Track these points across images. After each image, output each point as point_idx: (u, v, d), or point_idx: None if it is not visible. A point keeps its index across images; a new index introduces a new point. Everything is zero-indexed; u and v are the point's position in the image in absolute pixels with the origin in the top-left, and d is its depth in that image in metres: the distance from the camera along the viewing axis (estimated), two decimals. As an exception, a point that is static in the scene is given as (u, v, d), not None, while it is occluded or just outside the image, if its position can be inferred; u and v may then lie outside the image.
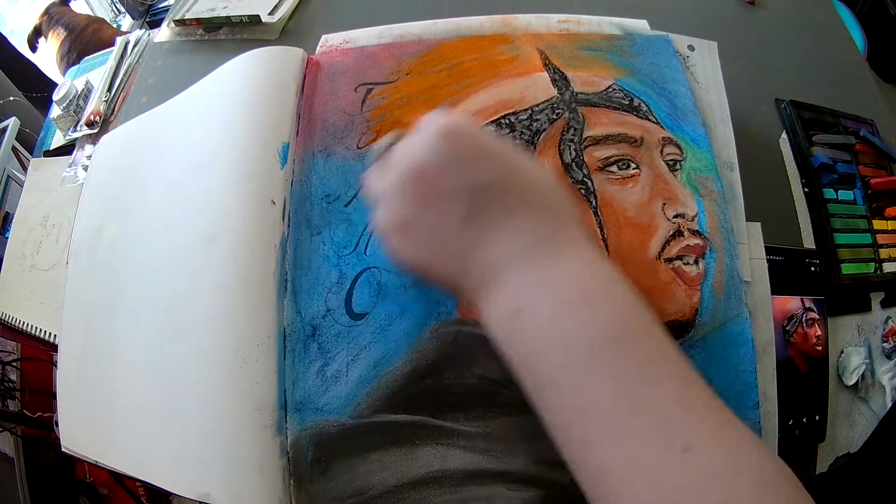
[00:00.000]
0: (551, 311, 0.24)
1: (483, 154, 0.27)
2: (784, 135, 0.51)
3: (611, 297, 0.25)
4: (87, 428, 0.40)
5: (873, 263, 0.48)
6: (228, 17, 0.57)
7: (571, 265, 0.25)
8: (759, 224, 0.42)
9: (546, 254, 0.26)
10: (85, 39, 0.92)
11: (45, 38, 1.00)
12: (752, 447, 0.22)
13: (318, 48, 0.45)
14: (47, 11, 0.99)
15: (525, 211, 0.26)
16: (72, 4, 1.06)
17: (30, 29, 1.02)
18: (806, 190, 0.48)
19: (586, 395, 0.22)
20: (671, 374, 0.23)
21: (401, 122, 0.41)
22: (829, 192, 0.49)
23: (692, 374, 0.23)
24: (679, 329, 0.38)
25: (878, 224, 0.49)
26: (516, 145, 0.29)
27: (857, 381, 0.44)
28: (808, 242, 0.47)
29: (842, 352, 0.44)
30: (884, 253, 0.48)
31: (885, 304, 0.47)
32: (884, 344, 0.46)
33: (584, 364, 0.23)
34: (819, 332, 0.43)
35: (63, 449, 0.40)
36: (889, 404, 0.45)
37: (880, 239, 0.49)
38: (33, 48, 1.03)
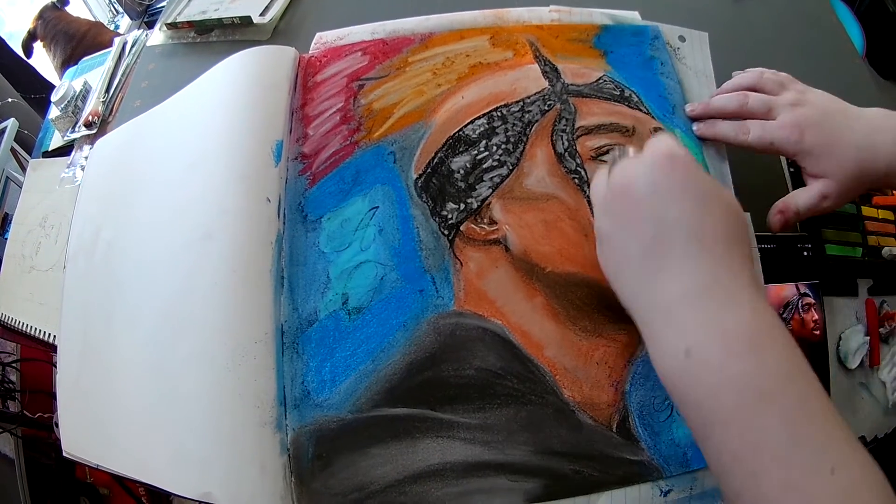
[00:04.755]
0: (721, 356, 0.26)
1: (682, 191, 0.29)
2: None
3: (774, 345, 0.27)
4: (87, 431, 0.40)
5: (860, 248, 0.47)
6: (220, 19, 0.57)
7: (740, 312, 0.27)
8: (748, 215, 0.42)
9: (718, 298, 0.27)
10: (85, 45, 0.91)
11: (43, 42, 0.99)
12: (872, 463, 0.24)
13: (312, 45, 0.45)
14: (41, 16, 0.98)
15: (704, 255, 0.28)
16: (69, 8, 1.05)
17: (24, 33, 1.01)
18: (791, 170, 0.48)
19: (755, 434, 0.25)
20: (821, 408, 0.25)
21: (392, 118, 0.41)
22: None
23: (830, 403, 0.26)
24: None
25: (866, 210, 0.49)
26: (716, 184, 0.31)
27: (862, 360, 0.44)
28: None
29: (840, 337, 0.44)
30: (872, 240, 0.48)
31: (872, 292, 0.47)
32: (880, 329, 0.46)
33: (753, 407, 0.25)
34: (816, 317, 0.43)
35: (64, 454, 0.40)
36: (890, 399, 0.45)
37: (869, 226, 0.49)
38: (28, 53, 1.02)
